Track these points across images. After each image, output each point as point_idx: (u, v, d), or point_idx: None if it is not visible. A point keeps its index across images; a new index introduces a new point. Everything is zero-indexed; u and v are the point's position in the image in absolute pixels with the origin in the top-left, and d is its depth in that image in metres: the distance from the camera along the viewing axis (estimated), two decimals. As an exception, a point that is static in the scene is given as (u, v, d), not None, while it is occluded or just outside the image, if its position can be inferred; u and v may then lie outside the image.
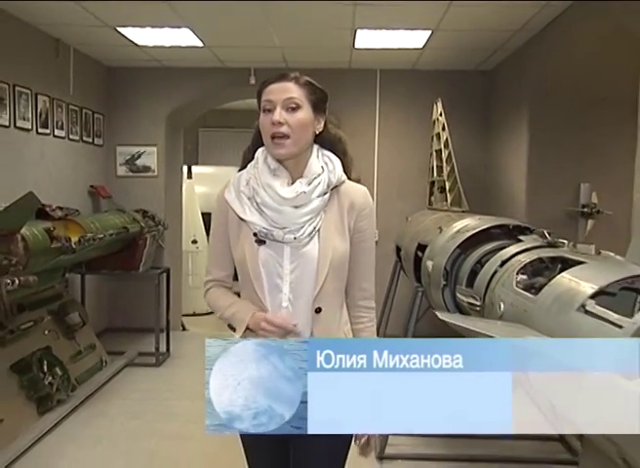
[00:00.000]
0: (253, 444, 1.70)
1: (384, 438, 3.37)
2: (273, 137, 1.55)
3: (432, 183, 4.83)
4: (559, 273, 1.91)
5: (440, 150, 4.63)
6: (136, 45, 4.91)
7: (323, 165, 1.62)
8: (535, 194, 4.50)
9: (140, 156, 5.75)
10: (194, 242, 7.30)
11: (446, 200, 4.35)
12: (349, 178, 1.67)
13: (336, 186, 1.63)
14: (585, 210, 4.31)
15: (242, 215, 1.60)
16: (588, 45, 3.76)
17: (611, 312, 1.51)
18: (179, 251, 6.39)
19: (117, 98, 5.73)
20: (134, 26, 4.47)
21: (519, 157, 4.69)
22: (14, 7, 4.04)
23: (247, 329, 1.56)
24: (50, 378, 3.82)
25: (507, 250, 2.43)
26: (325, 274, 1.58)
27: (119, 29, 4.50)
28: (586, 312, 1.58)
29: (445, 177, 4.41)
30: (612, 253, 2.02)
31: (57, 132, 4.81)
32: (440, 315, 1.96)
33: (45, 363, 3.86)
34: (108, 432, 3.66)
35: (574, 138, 4.32)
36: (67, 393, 3.92)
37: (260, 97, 1.61)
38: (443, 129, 4.64)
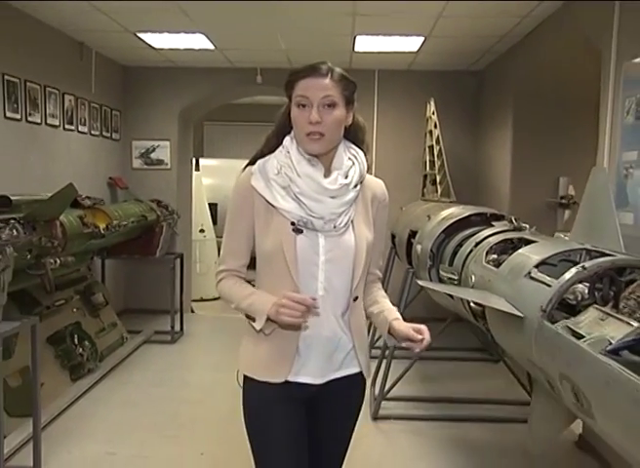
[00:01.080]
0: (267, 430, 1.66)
1: (378, 402, 3.87)
2: (309, 134, 1.56)
3: (425, 176, 5.31)
4: (516, 250, 2.39)
5: (432, 146, 5.10)
6: (153, 48, 5.37)
7: (351, 157, 1.65)
8: (517, 186, 4.97)
9: (154, 150, 6.23)
10: (202, 231, 7.77)
11: (436, 191, 4.82)
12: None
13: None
14: (563, 201, 4.78)
15: (275, 204, 1.58)
16: (562, 53, 4.22)
17: (546, 276, 1.99)
18: (189, 238, 6.86)
19: (133, 96, 6.20)
20: (152, 32, 4.93)
21: (504, 152, 5.16)
22: (43, 13, 4.47)
23: (267, 319, 1.55)
24: (80, 350, 4.32)
25: (481, 233, 2.91)
26: (363, 264, 1.62)
27: (139, 34, 4.96)
28: (531, 277, 2.06)
29: (436, 171, 4.88)
30: (562, 235, 2.50)
31: (80, 128, 5.29)
32: (420, 282, 2.43)
33: (76, 336, 4.35)
34: (133, 397, 4.17)
35: (553, 136, 4.78)
36: (96, 363, 4.42)
37: (292, 88, 1.59)
38: (435, 126, 5.10)
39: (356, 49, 5.29)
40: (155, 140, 6.24)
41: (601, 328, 1.64)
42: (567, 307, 1.90)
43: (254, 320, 1.58)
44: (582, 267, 1.87)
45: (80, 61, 5.28)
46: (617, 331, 1.58)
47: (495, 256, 2.57)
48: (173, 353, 5.21)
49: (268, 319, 1.54)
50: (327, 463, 1.75)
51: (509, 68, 5.19)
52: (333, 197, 1.58)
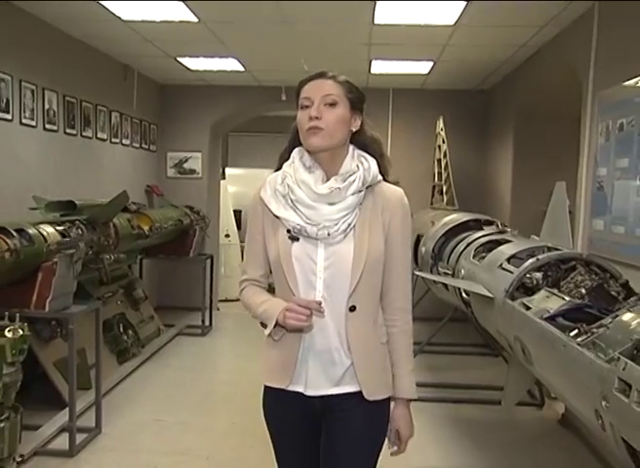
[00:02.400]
0: (282, 433, 1.74)
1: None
2: (308, 129, 1.59)
3: (434, 187, 5.92)
4: (495, 248, 2.98)
5: (440, 159, 5.71)
6: (189, 70, 6.07)
7: (358, 163, 1.64)
8: (518, 196, 5.55)
9: (187, 160, 6.93)
10: (227, 236, 8.42)
11: (443, 200, 5.43)
12: (386, 179, 1.68)
13: (370, 185, 1.63)
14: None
15: (277, 213, 1.62)
16: (555, 78, 4.80)
17: (512, 266, 2.58)
18: (217, 242, 7.52)
19: (169, 111, 6.90)
20: (190, 57, 5.62)
21: (506, 166, 5.75)
22: (93, 39, 5.15)
23: (276, 325, 1.58)
24: (125, 337, 4.98)
25: (472, 235, 3.51)
26: (360, 272, 1.58)
27: (178, 59, 5.66)
28: (502, 268, 2.65)
29: (443, 182, 5.48)
30: (535, 237, 3.08)
31: (123, 141, 5.99)
32: (417, 272, 3.03)
33: (121, 325, 5.02)
34: (172, 378, 4.82)
35: (550, 152, 5.35)
36: (138, 349, 5.08)
37: (298, 96, 1.65)
38: (443, 141, 5.71)
39: (372, 71, 5.92)
40: (188, 152, 6.94)
41: (546, 303, 2.23)
42: (528, 289, 2.49)
43: (265, 327, 1.62)
44: (537, 259, 2.46)
45: (124, 81, 5.99)
46: (555, 304, 2.18)
47: (481, 253, 3.17)
48: (203, 344, 5.86)
49: (277, 324, 1.58)
50: None
51: (510, 90, 5.79)
52: (330, 203, 1.59)
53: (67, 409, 3.72)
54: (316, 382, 1.63)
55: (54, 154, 4.70)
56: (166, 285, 6.93)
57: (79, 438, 3.48)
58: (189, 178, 6.95)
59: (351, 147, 1.68)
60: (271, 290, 1.74)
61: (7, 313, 2.94)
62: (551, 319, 2.10)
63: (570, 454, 3.61)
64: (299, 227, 1.60)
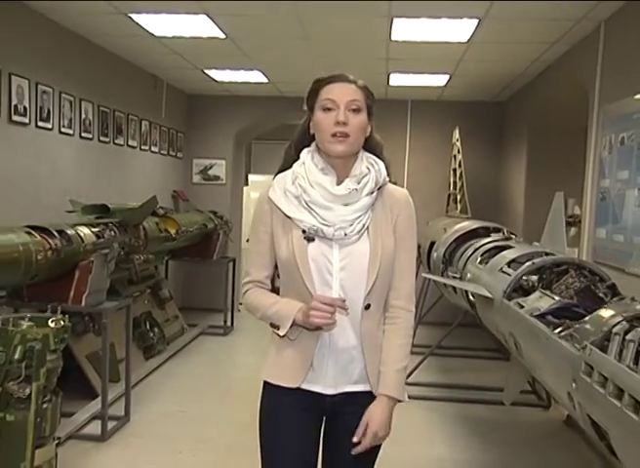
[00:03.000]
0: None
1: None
2: (334, 135, 1.60)
3: (449, 195, 6.15)
4: (499, 253, 3.22)
5: (455, 169, 5.94)
6: (215, 81, 6.40)
7: (368, 165, 1.67)
8: (530, 206, 5.74)
9: (211, 167, 7.26)
10: (248, 240, 8.72)
11: (457, 208, 5.66)
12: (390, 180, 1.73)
13: (381, 186, 1.68)
14: (570, 219, 5.53)
15: (289, 214, 1.64)
16: (566, 92, 5.02)
17: (511, 270, 2.81)
18: (239, 246, 7.82)
19: (195, 120, 7.24)
20: (217, 69, 5.94)
21: (519, 176, 5.96)
22: (126, 52, 5.48)
23: (292, 325, 1.61)
24: (152, 334, 5.29)
25: (480, 241, 3.74)
26: (377, 271, 1.62)
27: (205, 71, 5.98)
28: (502, 271, 2.89)
29: (457, 191, 5.72)
30: (536, 243, 3.31)
31: (152, 148, 6.33)
32: (424, 274, 3.27)
33: (148, 323, 5.33)
34: (195, 373, 5.11)
35: (562, 163, 5.55)
36: (164, 346, 5.39)
37: (317, 95, 1.65)
38: (458, 152, 5.95)
39: (390, 83, 6.18)
40: (213, 159, 7.27)
41: (539, 302, 2.46)
42: (525, 291, 2.72)
43: (278, 328, 1.64)
44: (532, 263, 2.70)
45: (154, 92, 6.34)
46: (547, 303, 2.41)
47: (486, 258, 3.41)
48: (225, 343, 6.15)
49: (293, 324, 1.60)
50: None
51: (524, 102, 6.01)
52: (345, 204, 1.62)
53: (99, 398, 4.02)
54: (335, 381, 1.65)
55: (89, 161, 5.04)
56: (190, 286, 7.25)
57: (109, 425, 3.78)
58: (214, 185, 7.28)
59: (361, 150, 1.71)
60: (273, 291, 1.75)
61: (49, 306, 3.25)
62: (541, 316, 2.34)
63: (573, 452, 3.80)
64: (315, 228, 1.61)
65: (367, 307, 1.64)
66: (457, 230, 4.32)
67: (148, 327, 5.29)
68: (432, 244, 4.91)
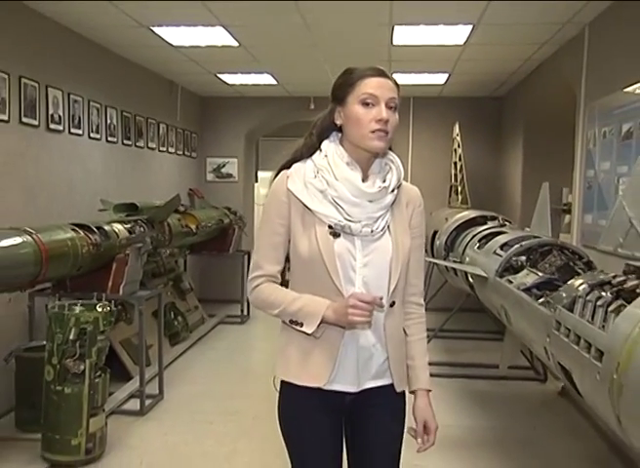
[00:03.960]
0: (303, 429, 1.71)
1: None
2: (374, 131, 1.57)
3: (451, 187, 6.56)
4: (494, 238, 3.64)
5: (456, 162, 6.35)
6: (227, 84, 6.82)
7: (388, 162, 1.67)
8: (527, 196, 6.14)
9: (224, 165, 7.70)
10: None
11: (457, 199, 6.08)
12: None
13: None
14: (565, 207, 5.95)
15: (313, 207, 1.61)
16: (557, 88, 5.43)
17: (502, 252, 3.23)
18: (252, 240, 8.27)
19: (208, 121, 7.67)
20: (229, 73, 6.37)
21: (516, 167, 6.38)
22: (145, 60, 5.91)
23: (321, 322, 1.57)
24: (176, 323, 5.74)
25: (478, 228, 4.17)
26: (400, 268, 1.63)
27: (218, 75, 6.41)
28: (495, 253, 3.31)
29: (458, 183, 6.13)
30: (528, 228, 3.72)
31: (169, 149, 6.76)
32: (428, 259, 3.68)
33: (172, 312, 5.78)
34: (216, 358, 5.56)
35: (555, 154, 5.95)
36: (187, 334, 5.84)
37: (353, 87, 1.61)
38: (458, 146, 6.36)
39: (393, 82, 6.58)
40: (225, 157, 7.71)
41: (525, 278, 2.89)
42: (515, 270, 3.15)
43: (300, 325, 1.60)
44: (520, 245, 3.12)
45: (170, 96, 6.77)
46: (532, 279, 2.84)
47: (482, 243, 3.83)
48: (242, 331, 6.60)
49: (322, 322, 1.57)
50: None
51: (520, 98, 6.42)
52: (371, 201, 1.61)
53: (134, 379, 4.49)
54: (357, 378, 1.64)
55: (114, 163, 5.49)
56: (208, 279, 7.70)
57: (146, 402, 4.22)
58: (226, 182, 7.72)
59: None
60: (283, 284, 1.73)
61: (95, 294, 3.70)
62: (527, 290, 2.76)
63: (566, 418, 4.23)
64: (342, 224, 1.59)
65: (392, 305, 1.65)
66: (457, 219, 4.74)
67: (173, 316, 5.73)
68: (435, 233, 5.33)
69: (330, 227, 1.61)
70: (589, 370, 1.80)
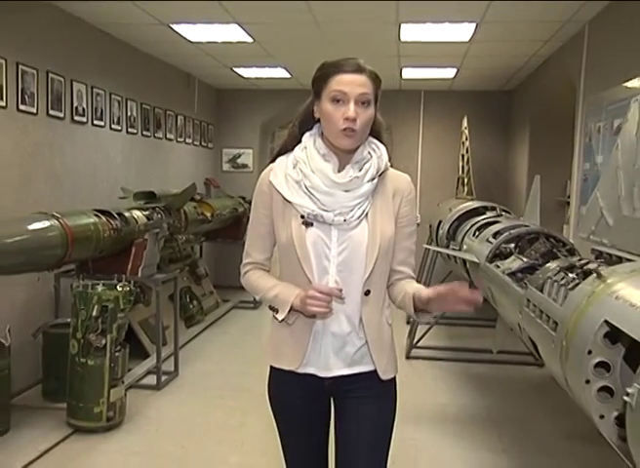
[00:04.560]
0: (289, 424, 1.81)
1: (409, 348, 5.38)
2: (343, 129, 1.59)
3: (458, 179, 6.78)
4: (489, 227, 3.88)
5: (463, 155, 6.57)
6: (242, 77, 7.10)
7: (370, 150, 1.68)
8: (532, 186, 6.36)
9: (240, 156, 7.99)
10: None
11: (464, 191, 6.30)
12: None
13: (383, 172, 1.69)
14: (568, 200, 6.14)
15: (289, 198, 1.65)
16: (562, 83, 5.62)
17: (494, 239, 3.48)
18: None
19: (224, 112, 7.97)
20: (244, 67, 6.64)
21: (522, 160, 6.58)
22: (164, 55, 6.20)
23: (290, 310, 1.63)
24: (191, 306, 6.06)
25: (477, 218, 4.41)
26: (375, 257, 1.64)
27: (234, 69, 6.69)
28: (488, 241, 3.55)
29: (464, 175, 6.36)
30: (521, 218, 3.95)
31: (187, 140, 7.07)
32: (425, 245, 3.93)
33: (188, 296, 6.10)
34: (229, 340, 5.87)
35: (559, 147, 6.15)
36: (202, 317, 6.16)
37: (325, 82, 1.63)
38: (466, 139, 6.57)
39: (403, 76, 6.82)
40: (241, 148, 8.00)
41: (512, 264, 3.13)
42: (505, 256, 3.39)
43: (277, 311, 1.68)
44: (509, 233, 3.36)
45: (187, 88, 7.06)
46: (517, 264, 3.08)
47: (479, 232, 4.08)
48: (255, 315, 6.91)
49: (291, 309, 1.63)
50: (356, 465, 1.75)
51: (527, 92, 6.61)
52: (346, 190, 1.63)
53: (151, 356, 4.81)
54: (330, 364, 1.69)
55: (134, 153, 5.80)
56: (222, 265, 8.01)
57: (162, 378, 4.54)
58: (242, 172, 8.02)
59: None
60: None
61: (116, 275, 4.01)
62: (512, 274, 3.01)
63: (558, 399, 4.39)
64: (314, 213, 1.63)
65: (366, 293, 1.67)
66: (459, 209, 4.97)
67: (188, 299, 6.05)
68: (440, 222, 5.57)
69: (302, 217, 1.65)
70: (548, 339, 2.05)
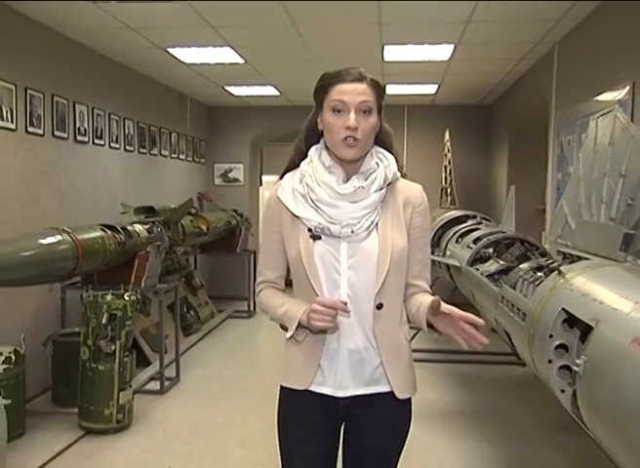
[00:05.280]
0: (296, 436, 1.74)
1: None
2: (344, 139, 1.58)
3: (442, 190, 7.14)
4: (470, 234, 4.22)
5: (446, 166, 6.93)
6: (233, 95, 7.43)
7: (377, 161, 1.66)
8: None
9: (231, 170, 8.30)
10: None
11: (447, 201, 6.65)
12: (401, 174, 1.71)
13: (391, 182, 1.66)
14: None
15: (297, 212, 1.64)
16: (534, 99, 6.00)
17: (473, 245, 3.80)
18: (257, 240, 8.86)
19: (215, 129, 8.28)
20: (235, 85, 6.97)
21: (502, 171, 6.95)
22: (159, 76, 6.50)
23: (298, 326, 1.60)
24: (189, 316, 6.33)
25: (459, 226, 4.75)
26: (386, 269, 1.59)
27: (225, 87, 7.01)
28: (468, 246, 3.88)
29: (447, 185, 6.71)
30: (499, 225, 4.30)
31: (180, 156, 7.37)
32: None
33: (185, 306, 6.37)
34: (226, 347, 6.15)
35: (536, 159, 6.51)
36: (199, 326, 6.44)
37: (326, 93, 1.63)
38: (448, 151, 6.94)
39: (387, 92, 7.14)
40: (232, 163, 8.32)
41: (490, 267, 3.46)
42: (484, 260, 3.72)
43: (286, 329, 1.65)
44: (487, 239, 3.69)
45: (180, 106, 7.38)
46: (495, 267, 3.41)
47: (460, 238, 4.41)
48: (249, 324, 7.19)
49: (299, 326, 1.60)
50: None
51: (504, 107, 7.00)
52: (353, 202, 1.61)
53: (153, 363, 5.08)
54: (346, 383, 1.64)
55: (132, 169, 6.09)
56: (216, 276, 8.30)
57: (165, 383, 4.81)
58: (233, 186, 8.33)
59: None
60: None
61: (122, 285, 4.29)
62: (490, 275, 3.34)
63: (539, 393, 4.70)
64: (321, 226, 1.61)
65: (379, 307, 1.62)
66: (442, 218, 5.31)
67: (186, 309, 6.33)
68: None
69: (309, 231, 1.64)
70: (518, 328, 2.36)
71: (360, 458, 1.71)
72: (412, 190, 1.72)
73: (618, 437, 1.48)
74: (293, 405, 1.72)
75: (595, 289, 1.88)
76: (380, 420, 1.67)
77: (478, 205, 6.80)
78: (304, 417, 1.70)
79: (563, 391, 2.03)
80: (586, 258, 2.35)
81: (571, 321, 2.00)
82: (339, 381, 1.65)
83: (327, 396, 1.66)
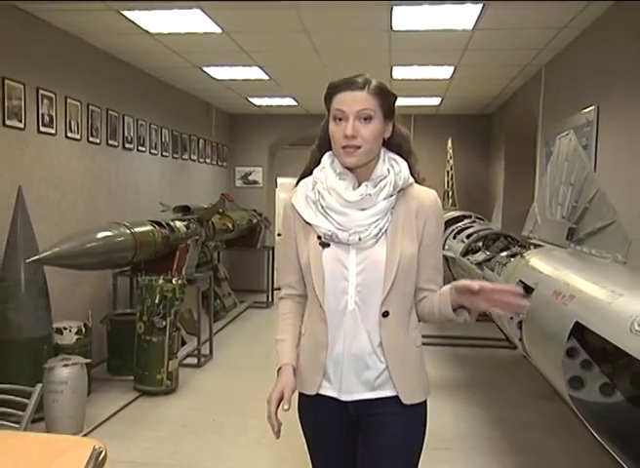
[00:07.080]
0: (317, 440, 1.82)
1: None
2: (344, 147, 1.61)
3: (444, 192, 7.97)
4: (465, 230, 5.05)
5: (448, 171, 7.76)
6: (254, 105, 8.28)
7: (389, 167, 1.67)
8: (508, 199, 7.52)
9: (250, 173, 9.16)
10: (279, 235, 10.59)
11: (449, 203, 7.49)
12: (414, 178, 1.71)
13: (402, 189, 1.66)
14: (538, 209, 7.33)
15: (308, 219, 1.68)
16: (527, 112, 6.83)
17: (466, 239, 4.63)
18: (274, 239, 9.71)
19: (237, 135, 9.14)
20: (257, 97, 7.83)
21: (499, 175, 7.77)
22: (191, 89, 7.34)
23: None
24: (215, 303, 7.18)
25: (457, 224, 5.58)
26: (393, 276, 1.61)
27: (249, 99, 7.87)
28: (462, 241, 4.71)
29: (449, 189, 7.54)
30: (489, 223, 5.13)
31: (206, 160, 8.23)
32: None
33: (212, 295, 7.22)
34: (248, 333, 7.00)
35: (529, 165, 7.33)
36: (225, 313, 7.29)
37: (331, 102, 1.67)
38: (450, 157, 7.77)
39: (396, 104, 8.00)
40: (251, 167, 9.18)
41: (479, 257, 4.28)
42: (475, 252, 4.55)
43: None
44: (477, 234, 4.52)
45: (206, 115, 8.24)
46: (482, 257, 4.24)
47: (457, 235, 5.25)
48: (267, 314, 8.04)
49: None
50: None
51: (502, 117, 7.83)
52: (362, 209, 1.63)
53: (189, 343, 5.93)
54: (350, 387, 1.69)
55: (168, 173, 6.95)
56: (238, 270, 9.15)
57: (201, 359, 5.65)
58: (252, 187, 9.20)
59: (382, 150, 1.70)
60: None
61: (169, 271, 5.14)
62: (478, 263, 4.16)
63: (526, 370, 5.58)
64: (330, 233, 1.64)
65: (385, 314, 1.64)
66: (444, 218, 6.15)
67: (213, 298, 7.17)
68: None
69: (319, 238, 1.67)
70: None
71: (372, 461, 1.72)
72: (425, 196, 1.71)
73: (540, 351, 2.30)
74: (307, 408, 1.81)
75: (539, 264, 2.70)
76: (392, 419, 1.70)
77: (477, 206, 7.63)
78: (318, 420, 1.78)
79: (521, 340, 2.85)
80: (543, 246, 3.18)
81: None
82: (344, 385, 1.70)
83: (335, 399, 1.72)
